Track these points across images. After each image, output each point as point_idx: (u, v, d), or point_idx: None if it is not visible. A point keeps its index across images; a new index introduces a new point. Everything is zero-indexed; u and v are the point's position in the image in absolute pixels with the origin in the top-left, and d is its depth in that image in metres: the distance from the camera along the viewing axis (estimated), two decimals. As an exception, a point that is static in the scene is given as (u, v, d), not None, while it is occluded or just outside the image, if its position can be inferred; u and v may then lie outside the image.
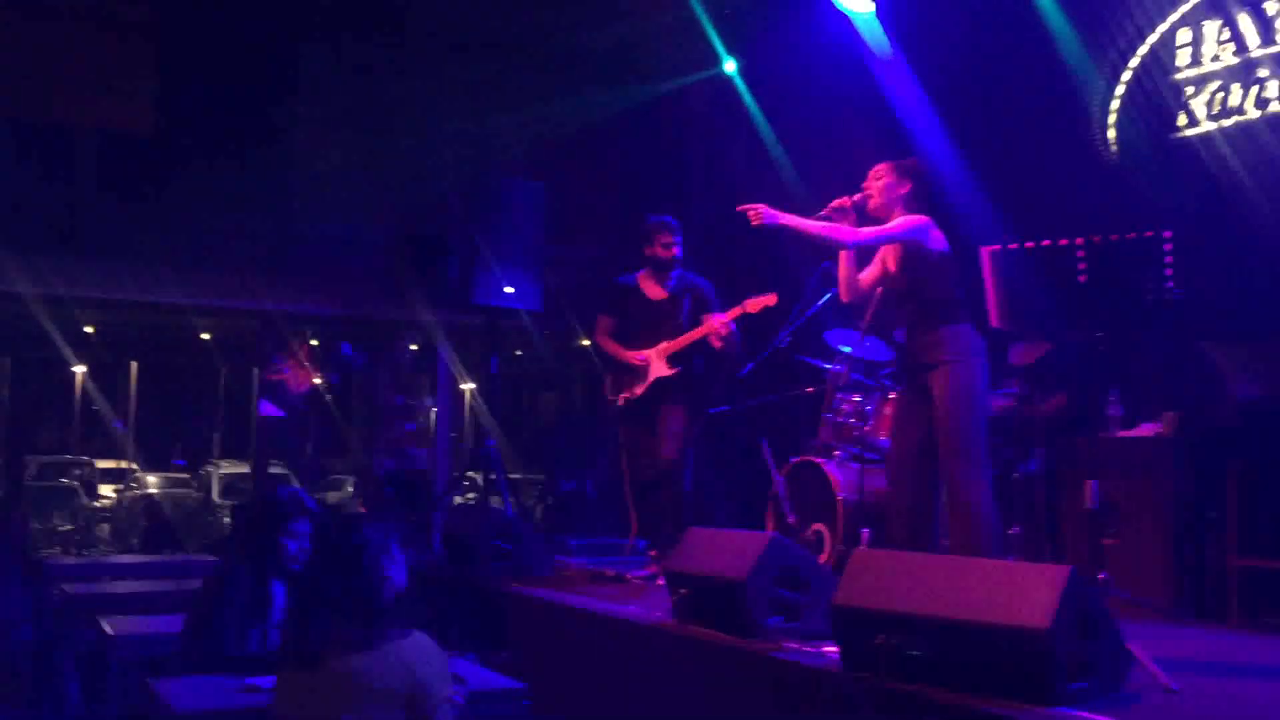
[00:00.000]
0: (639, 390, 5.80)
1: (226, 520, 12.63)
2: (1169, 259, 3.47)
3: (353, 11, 8.42)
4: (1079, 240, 3.59)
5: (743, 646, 3.80)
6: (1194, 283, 5.22)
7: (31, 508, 13.86)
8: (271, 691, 2.67)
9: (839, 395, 5.94)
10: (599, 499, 8.79)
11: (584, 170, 9.03)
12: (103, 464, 19.36)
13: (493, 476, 7.23)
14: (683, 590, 4.22)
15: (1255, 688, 3.50)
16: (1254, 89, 5.62)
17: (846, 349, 5.92)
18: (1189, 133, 5.90)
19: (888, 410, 5.69)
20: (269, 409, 9.69)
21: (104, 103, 8.45)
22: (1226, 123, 5.72)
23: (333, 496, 15.10)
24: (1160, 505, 4.98)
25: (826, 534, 5.59)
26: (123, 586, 5.66)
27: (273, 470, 12.77)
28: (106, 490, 18.16)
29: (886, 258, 4.60)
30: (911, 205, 4.51)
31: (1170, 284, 3.51)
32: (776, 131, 8.12)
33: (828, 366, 6.11)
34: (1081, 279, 3.66)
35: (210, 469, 17.19)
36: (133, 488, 17.11)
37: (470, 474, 9.30)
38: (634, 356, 5.82)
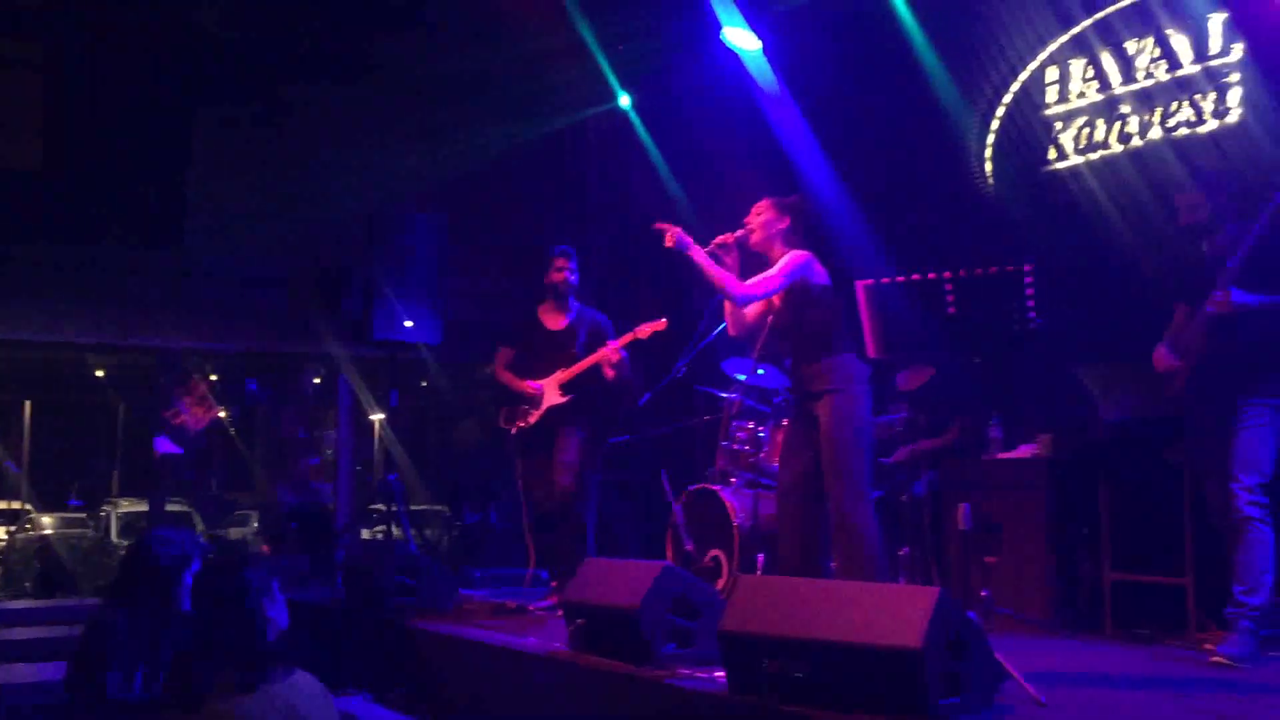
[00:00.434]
0: (533, 419, 5.86)
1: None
2: (1030, 290, 3.66)
3: (249, 47, 8.39)
4: (946, 274, 3.77)
5: (637, 674, 3.87)
6: (1065, 309, 5.52)
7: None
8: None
9: (735, 423, 6.08)
10: (503, 530, 8.81)
11: (484, 202, 9.09)
12: (-5, 506, 18.71)
13: (396, 509, 7.22)
14: (579, 620, 4.29)
15: (1121, 696, 3.68)
16: (1117, 124, 5.94)
17: (741, 377, 6.06)
18: (1059, 166, 6.20)
19: (780, 437, 5.85)
20: (166, 446, 9.50)
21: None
22: (1093, 156, 6.03)
23: (236, 532, 14.82)
24: (1038, 523, 5.20)
25: (724, 559, 5.71)
26: (14, 634, 5.54)
27: (173, 508, 12.51)
28: (-1, 533, 17.56)
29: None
30: (791, 240, 4.68)
31: (1032, 314, 3.70)
32: (671, 164, 8.31)
33: (724, 395, 6.25)
34: (951, 310, 3.83)
35: (108, 508, 16.74)
36: (26, 529, 16.58)
37: (376, 507, 9.25)
38: (527, 386, 5.89)
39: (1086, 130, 6.08)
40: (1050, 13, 6.19)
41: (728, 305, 4.78)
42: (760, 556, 5.42)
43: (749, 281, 4.57)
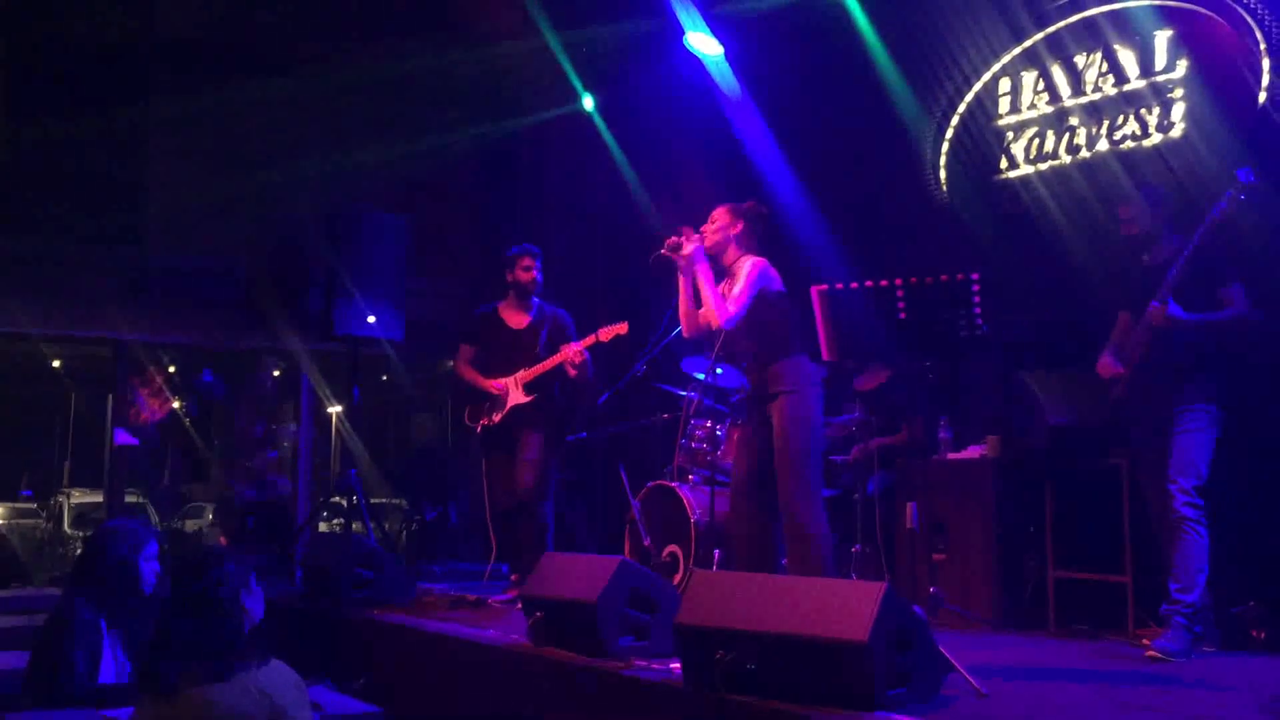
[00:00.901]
0: (497, 417, 5.94)
1: (79, 551, 12.25)
2: (977, 299, 3.79)
3: (209, 43, 8.39)
4: (898, 281, 3.90)
5: (595, 665, 3.96)
6: (1014, 315, 5.68)
7: None
8: (129, 722, 2.74)
9: (693, 421, 6.18)
10: (462, 525, 8.87)
11: (446, 201, 9.14)
12: (-56, 498, 18.46)
13: (355, 503, 7.27)
14: (538, 613, 4.38)
15: (1058, 688, 3.83)
16: (1066, 135, 6.12)
17: (700, 376, 6.16)
18: (1010, 175, 6.37)
19: (737, 435, 5.97)
20: (124, 437, 9.47)
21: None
22: (1043, 166, 6.20)
23: (191, 525, 14.75)
24: (985, 523, 5.36)
25: (681, 555, 5.81)
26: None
27: (128, 500, 12.44)
28: (-51, 525, 17.32)
29: (726, 295, 4.86)
30: (745, 244, 4.81)
31: (979, 321, 3.84)
32: (634, 166, 8.40)
33: (682, 393, 6.35)
34: (902, 315, 3.97)
35: (61, 499, 16.58)
36: (-23, 520, 16.38)
37: (335, 501, 9.29)
38: (492, 385, 5.95)
39: (1037, 141, 6.26)
40: (1003, 26, 6.35)
41: (682, 307, 4.87)
42: (717, 552, 5.52)
43: (728, 303, 4.64)
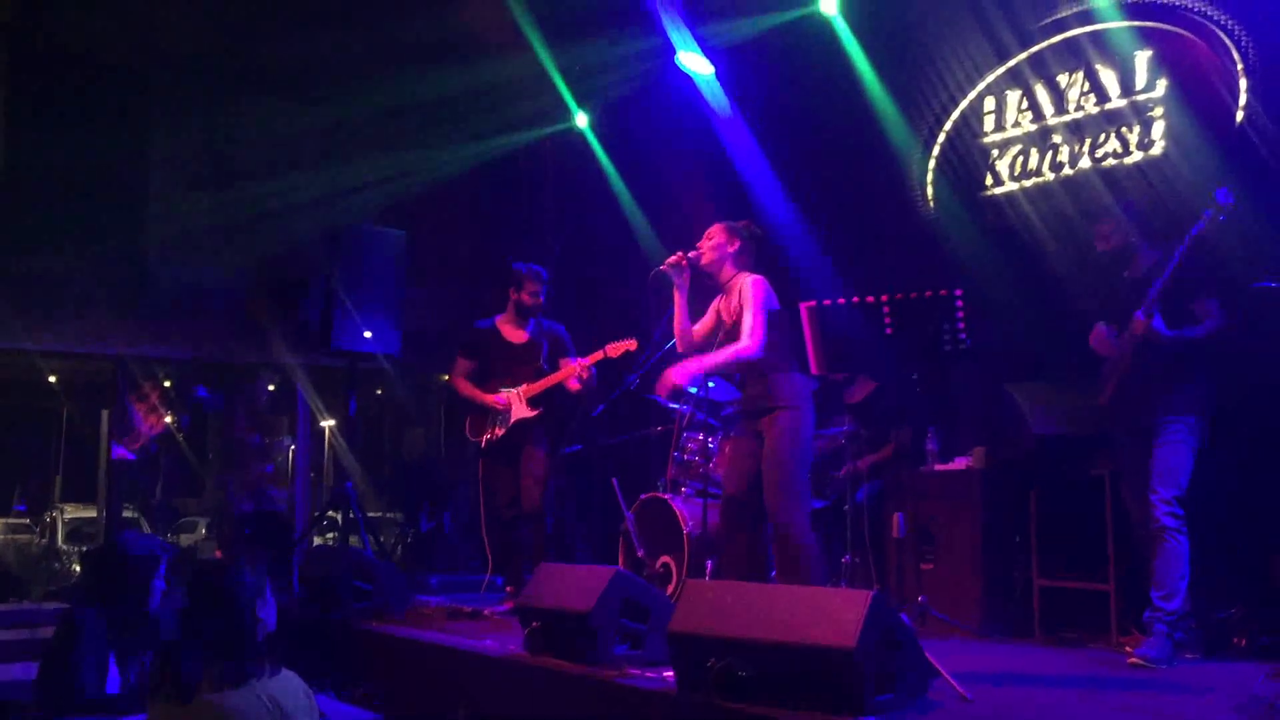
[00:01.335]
0: (500, 431, 6.01)
1: (76, 568, 12.30)
2: (960, 314, 3.91)
3: (208, 62, 8.48)
4: (884, 297, 4.01)
5: (590, 674, 4.04)
6: (999, 328, 5.79)
7: None
8: (142, 726, 2.82)
9: (685, 434, 6.27)
10: (458, 536, 8.94)
11: (443, 217, 9.23)
12: (-62, 513, 18.46)
13: (352, 516, 7.34)
14: (535, 623, 4.46)
15: (1041, 694, 3.92)
16: (1049, 153, 6.24)
17: (693, 390, 6.26)
18: (995, 191, 6.49)
19: (729, 448, 6.07)
20: (120, 451, 9.54)
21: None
22: (1027, 183, 6.33)
23: (186, 539, 14.76)
24: (972, 532, 5.46)
25: (674, 565, 5.90)
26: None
27: (123, 514, 12.46)
28: (-56, 540, 17.31)
29: (721, 311, 4.98)
30: (740, 262, 4.92)
31: (963, 335, 3.95)
32: (627, 182, 8.52)
33: (675, 406, 6.44)
34: (889, 330, 4.08)
35: (55, 514, 16.59)
36: (-29, 535, 16.39)
37: (330, 513, 9.35)
38: (495, 399, 6.03)
39: (1021, 158, 6.38)
40: (988, 46, 6.47)
41: (677, 322, 4.99)
42: (709, 562, 5.61)
43: (745, 331, 4.74)
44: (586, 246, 8.94)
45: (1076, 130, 6.11)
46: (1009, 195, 6.40)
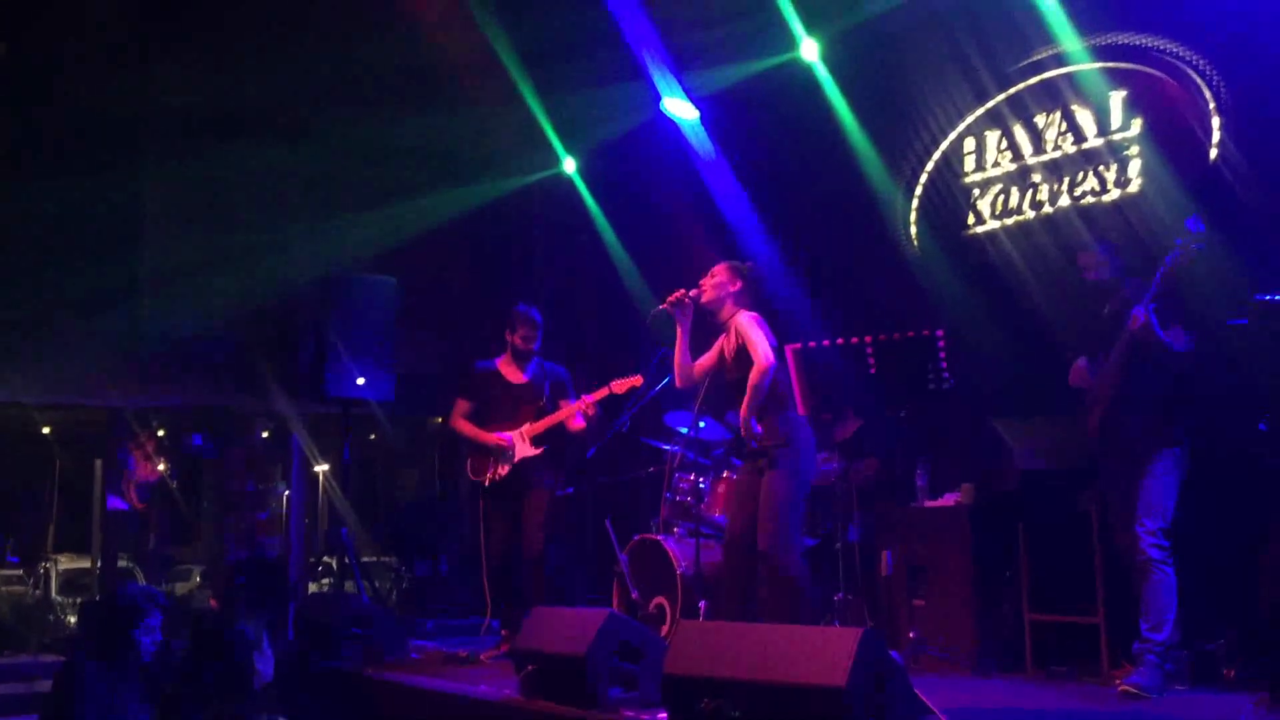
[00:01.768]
0: (504, 470, 6.03)
1: (72, 619, 12.25)
2: (943, 353, 3.98)
3: (201, 111, 8.56)
4: (868, 338, 4.10)
5: (585, 717, 4.06)
6: (983, 364, 5.87)
7: None
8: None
9: (677, 475, 6.31)
10: (453, 580, 8.95)
11: (434, 262, 9.31)
12: (-70, 566, 18.31)
13: (347, 561, 7.35)
14: (529, 667, 4.49)
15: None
16: (1029, 192, 6.36)
17: (683, 430, 6.32)
18: (978, 230, 6.59)
19: (721, 488, 6.12)
20: (115, 503, 9.56)
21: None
22: (1008, 221, 6.44)
23: (180, 587, 14.69)
24: (961, 568, 5.50)
25: (668, 607, 5.93)
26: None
27: (118, 564, 12.41)
28: (-64, 593, 17.17)
29: (725, 349, 5.06)
30: (741, 301, 5.02)
31: (945, 374, 4.02)
32: (614, 226, 8.62)
33: (666, 447, 6.50)
34: (872, 370, 4.16)
35: (48, 565, 16.48)
36: (-36, 587, 16.27)
37: (325, 560, 9.35)
38: (498, 437, 6.06)
39: (1002, 197, 6.49)
40: (967, 88, 6.60)
41: (678, 358, 5.08)
42: (703, 603, 5.64)
43: (754, 353, 4.78)
44: (575, 289, 9.04)
45: (1055, 169, 6.23)
46: (990, 234, 6.50)
